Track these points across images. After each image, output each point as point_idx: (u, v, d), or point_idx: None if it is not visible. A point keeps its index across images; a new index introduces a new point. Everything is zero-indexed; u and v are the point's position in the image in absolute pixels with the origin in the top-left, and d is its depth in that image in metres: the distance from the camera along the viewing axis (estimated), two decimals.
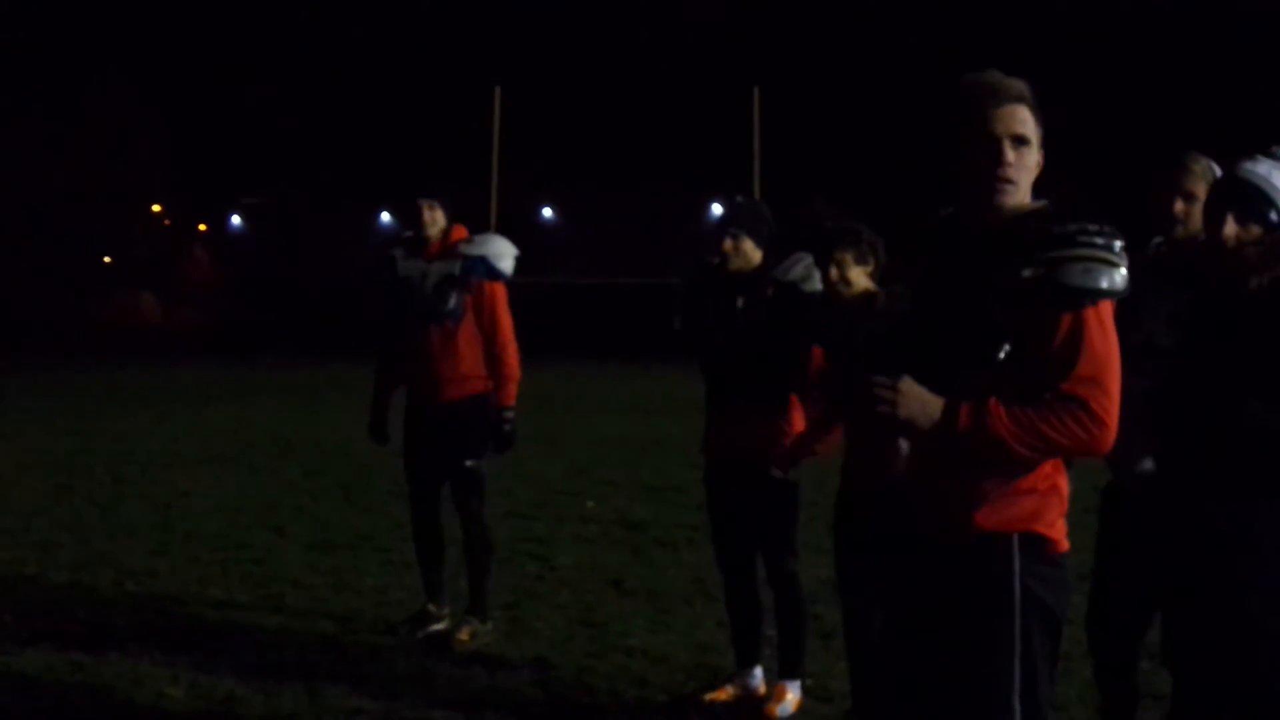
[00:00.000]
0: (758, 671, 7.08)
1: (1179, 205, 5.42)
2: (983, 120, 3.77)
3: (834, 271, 6.25)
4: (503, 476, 13.47)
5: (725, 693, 7.00)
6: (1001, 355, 3.67)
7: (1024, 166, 3.80)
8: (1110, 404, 3.67)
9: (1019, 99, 3.81)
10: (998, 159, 3.76)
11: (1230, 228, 4.78)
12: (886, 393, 3.68)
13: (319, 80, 62.20)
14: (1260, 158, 4.85)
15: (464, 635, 7.99)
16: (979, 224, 3.83)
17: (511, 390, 8.20)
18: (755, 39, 55.98)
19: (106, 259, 64.58)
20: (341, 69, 61.92)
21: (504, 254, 8.21)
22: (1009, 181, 3.77)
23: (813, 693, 7.02)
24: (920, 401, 3.68)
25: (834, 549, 6.39)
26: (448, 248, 8.19)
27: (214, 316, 59.10)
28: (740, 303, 6.79)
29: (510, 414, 8.16)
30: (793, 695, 6.85)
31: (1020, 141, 3.78)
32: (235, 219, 69.82)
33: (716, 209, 58.19)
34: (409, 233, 8.33)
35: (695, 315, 7.03)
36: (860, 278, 6.28)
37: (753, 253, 6.84)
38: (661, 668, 7.52)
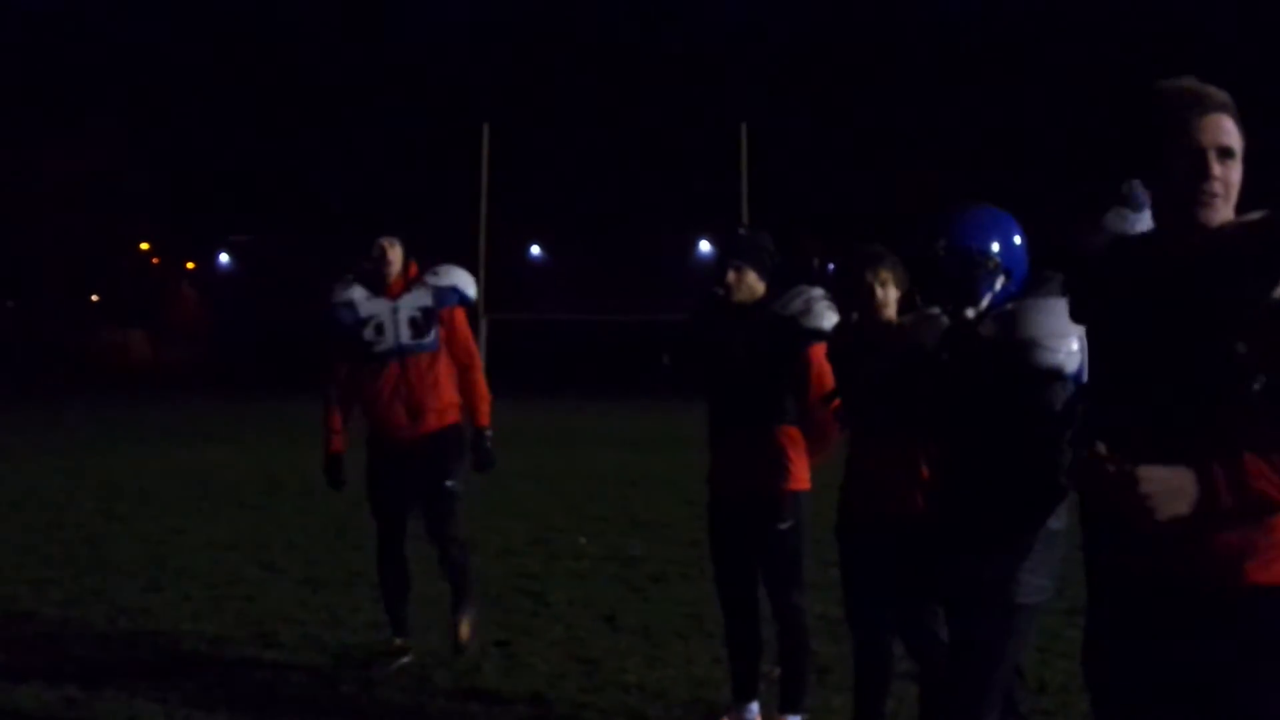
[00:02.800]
0: (754, 707, 7.05)
1: None
2: (1186, 130, 3.41)
3: (879, 292, 6.12)
4: (495, 514, 13.47)
5: None
6: (1257, 388, 3.26)
7: (1230, 181, 3.43)
8: None
9: (1223, 108, 3.45)
10: (1204, 172, 3.39)
11: None
12: (1131, 490, 3.21)
13: (309, 118, 62.31)
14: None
15: (464, 630, 8.15)
16: (1183, 244, 3.45)
17: (488, 410, 8.48)
18: (742, 76, 56.16)
19: (94, 297, 64.57)
20: (332, 107, 62.04)
21: (469, 283, 8.53)
22: (1215, 196, 3.40)
23: None
24: (1172, 489, 3.22)
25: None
26: (411, 281, 8.34)
27: (203, 354, 59.08)
28: (742, 335, 6.78)
29: (490, 433, 8.44)
30: None
31: (1226, 154, 3.42)
32: (224, 257, 69.87)
33: (705, 246, 58.36)
34: (361, 268, 8.41)
35: (700, 348, 7.04)
36: (894, 302, 6.17)
37: (756, 284, 6.82)
38: (657, 703, 7.49)
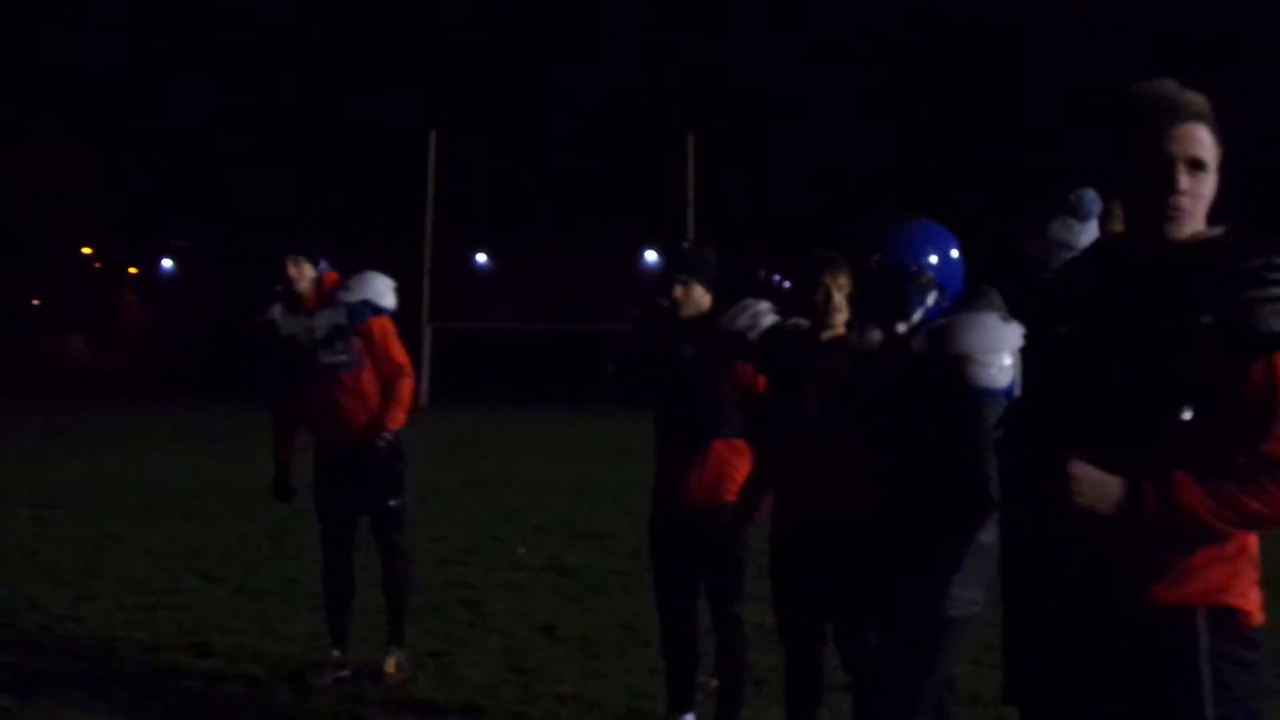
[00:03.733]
0: (689, 718, 7.07)
1: None
2: (1155, 138, 3.29)
3: (838, 297, 6.13)
4: (434, 523, 13.43)
5: None
6: (1186, 416, 3.21)
7: (1198, 194, 3.31)
8: None
9: (1198, 117, 3.32)
10: (1170, 185, 3.28)
11: None
12: (1055, 479, 3.22)
13: (253, 124, 62.03)
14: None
15: (390, 667, 7.98)
16: (1143, 256, 3.37)
17: (396, 413, 8.20)
18: (690, 86, 56.23)
19: (35, 301, 64.07)
20: (276, 112, 61.76)
21: (383, 291, 8.29)
22: (1181, 210, 3.30)
23: None
24: (1098, 486, 3.20)
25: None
26: (324, 297, 8.22)
27: (144, 360, 58.70)
28: (689, 350, 6.80)
29: (389, 435, 8.13)
30: None
31: (1197, 166, 3.30)
32: (166, 262, 69.46)
33: (651, 256, 58.41)
34: (279, 287, 8.33)
35: (647, 361, 7.06)
36: (845, 309, 6.17)
37: (702, 298, 6.85)
38: (593, 714, 7.49)
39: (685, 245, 7.20)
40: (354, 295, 8.19)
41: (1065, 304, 3.54)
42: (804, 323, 6.26)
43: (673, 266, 6.96)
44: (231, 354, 51.80)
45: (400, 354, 8.31)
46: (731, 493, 6.72)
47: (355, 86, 60.85)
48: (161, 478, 18.56)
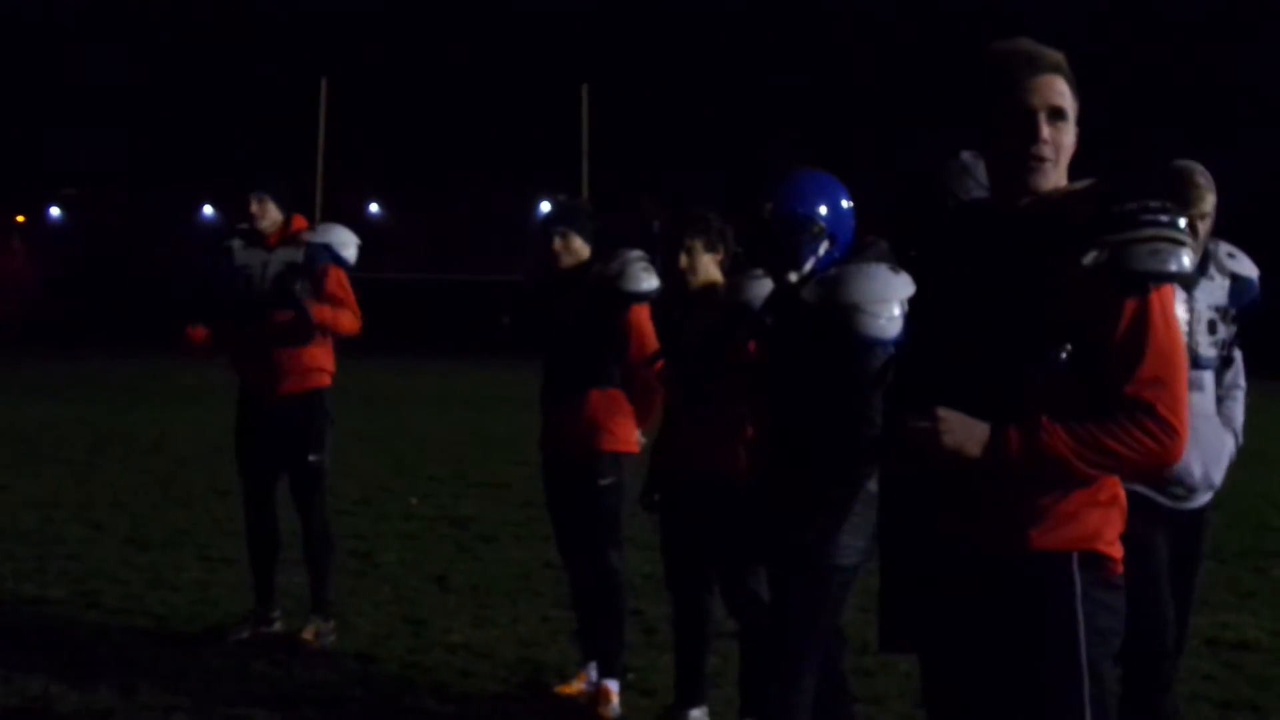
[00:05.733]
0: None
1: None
2: (1016, 91, 3.36)
3: (684, 259, 6.24)
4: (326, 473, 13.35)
5: (573, 687, 7.04)
6: (1063, 356, 3.28)
7: (1061, 144, 3.38)
8: (1179, 407, 3.27)
9: (1055, 69, 3.39)
10: (1033, 134, 3.35)
11: None
12: (923, 423, 3.28)
13: (141, 68, 61.09)
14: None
15: (309, 634, 7.85)
16: (1013, 208, 3.42)
17: (336, 315, 8.05)
18: (583, 37, 56.01)
19: None
20: (165, 56, 60.84)
21: (347, 242, 8.18)
22: (1044, 159, 3.36)
23: (636, 687, 7.07)
24: (964, 427, 3.27)
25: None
26: (289, 237, 8.12)
27: (30, 309, 57.81)
28: (568, 300, 6.86)
29: (313, 313, 7.98)
30: (614, 694, 6.88)
31: (1057, 115, 3.37)
32: (54, 210, 68.38)
33: (545, 206, 58.20)
34: (244, 225, 8.21)
35: (534, 312, 7.14)
36: (709, 266, 6.29)
37: (581, 249, 6.93)
38: (484, 663, 7.52)
39: (560, 198, 7.24)
40: (317, 238, 8.09)
41: (937, 259, 3.62)
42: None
43: (548, 220, 7.05)
44: (118, 303, 51.25)
45: (353, 303, 8.15)
46: (607, 443, 6.79)
47: (247, 32, 60.08)
48: (48, 428, 18.31)
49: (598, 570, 6.91)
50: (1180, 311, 4.84)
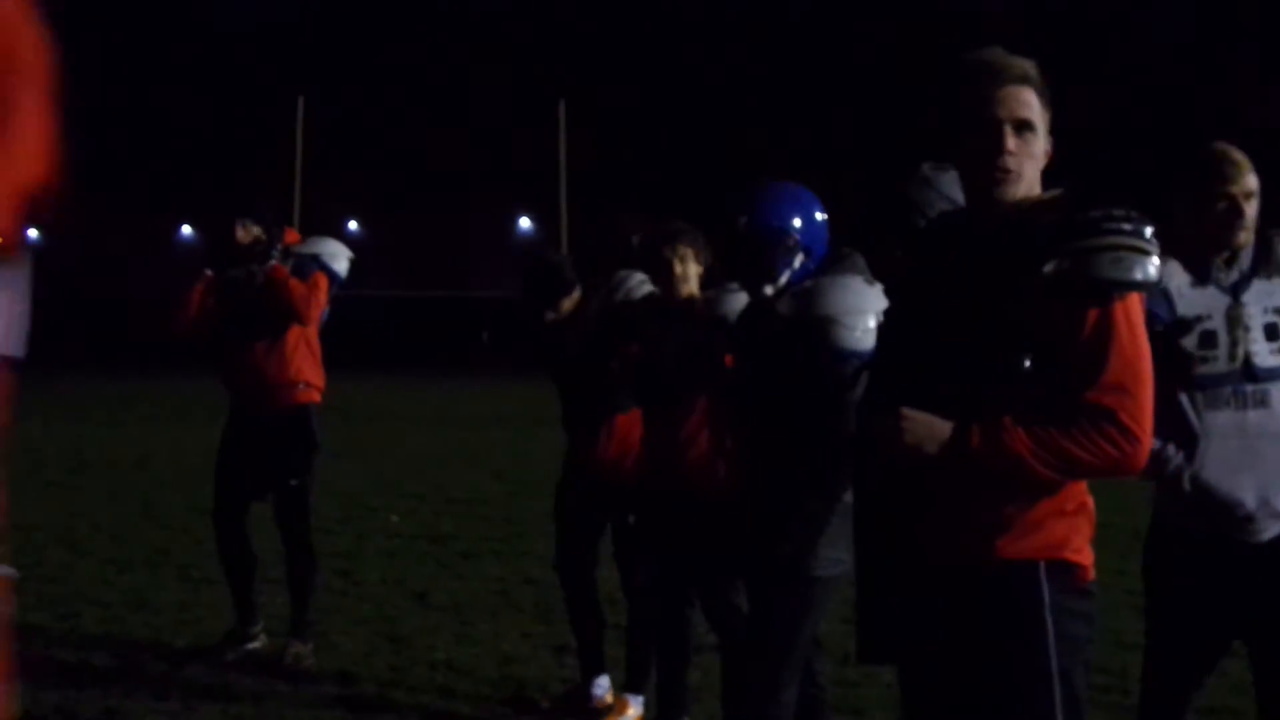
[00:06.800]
0: (604, 680, 7.14)
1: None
2: (982, 103, 3.39)
3: (678, 267, 6.18)
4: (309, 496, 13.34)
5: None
6: (1026, 365, 3.30)
7: (1028, 155, 3.40)
8: (1142, 415, 3.28)
9: (1023, 80, 3.41)
10: (998, 146, 3.37)
11: None
12: (886, 421, 3.35)
13: (119, 87, 61.05)
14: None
15: (288, 659, 7.77)
16: (981, 219, 3.45)
17: (296, 288, 7.93)
18: (561, 53, 56.10)
19: None
20: (143, 75, 60.81)
21: (337, 254, 8.14)
22: (1009, 171, 3.38)
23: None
24: (926, 425, 3.32)
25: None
26: (283, 251, 8.08)
27: None
28: (579, 327, 6.95)
29: (275, 265, 7.94)
30: (634, 710, 6.91)
31: (1024, 127, 3.39)
32: (32, 233, 68.34)
33: (525, 223, 58.27)
34: (227, 253, 8.15)
35: (541, 345, 7.29)
36: (695, 277, 6.25)
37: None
38: (466, 680, 7.52)
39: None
40: (306, 249, 8.07)
41: (914, 263, 3.65)
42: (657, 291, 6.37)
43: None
44: (98, 324, 51.14)
45: (318, 300, 8.01)
46: (634, 460, 6.82)
47: (225, 50, 60.08)
48: (27, 449, 18.25)
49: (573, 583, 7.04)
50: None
